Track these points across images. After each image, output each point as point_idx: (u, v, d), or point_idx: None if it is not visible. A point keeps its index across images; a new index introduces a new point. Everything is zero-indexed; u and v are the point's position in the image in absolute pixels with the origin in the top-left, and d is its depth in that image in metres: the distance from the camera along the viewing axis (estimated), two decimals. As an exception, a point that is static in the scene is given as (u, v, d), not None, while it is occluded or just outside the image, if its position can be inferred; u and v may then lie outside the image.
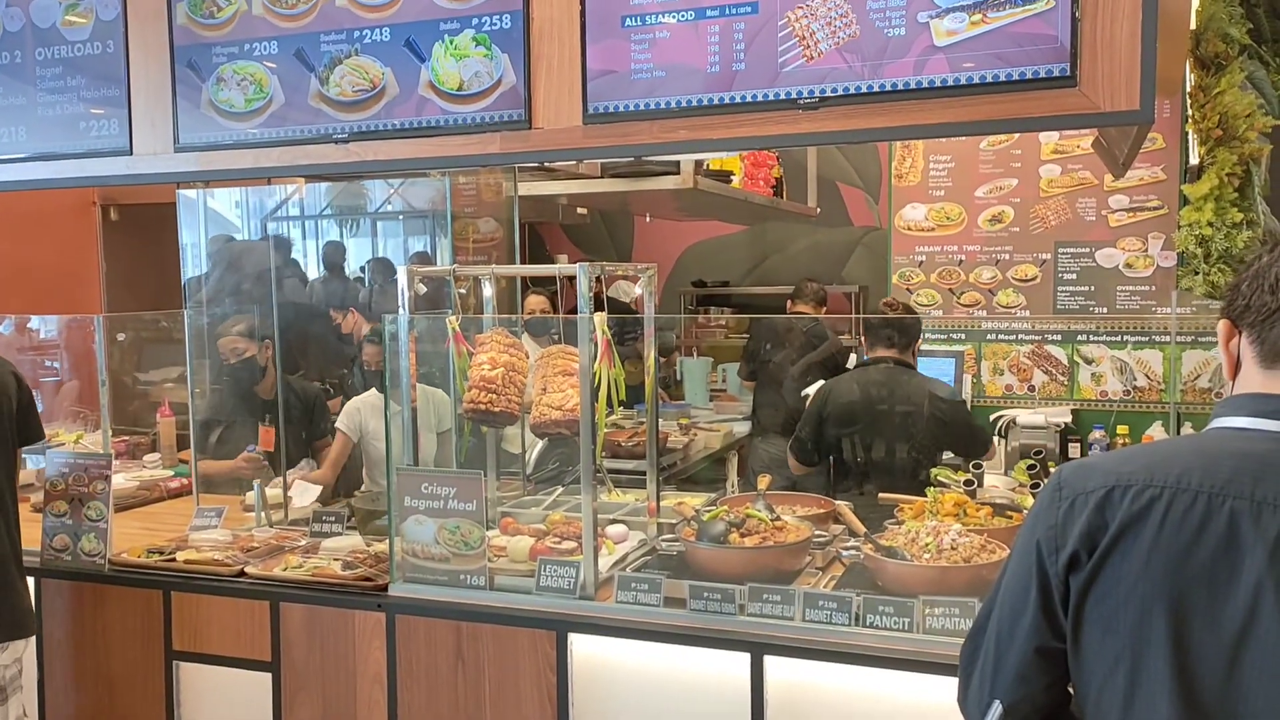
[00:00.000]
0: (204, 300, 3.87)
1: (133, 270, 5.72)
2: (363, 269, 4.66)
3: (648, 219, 7.18)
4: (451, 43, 2.65)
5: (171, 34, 2.90)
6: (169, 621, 2.81)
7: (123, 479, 3.79)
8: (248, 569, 2.80)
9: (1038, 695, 1.26)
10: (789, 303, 5.60)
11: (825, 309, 5.46)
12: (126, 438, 4.35)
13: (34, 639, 2.77)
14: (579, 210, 6.51)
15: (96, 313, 5.16)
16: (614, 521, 2.92)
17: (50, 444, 3.57)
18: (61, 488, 2.94)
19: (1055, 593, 1.22)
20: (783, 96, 2.37)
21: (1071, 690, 1.27)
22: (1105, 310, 4.66)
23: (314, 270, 4.63)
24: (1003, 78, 2.21)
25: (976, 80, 2.23)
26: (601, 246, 7.81)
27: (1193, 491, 1.15)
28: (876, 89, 2.30)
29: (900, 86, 2.28)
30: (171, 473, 4.03)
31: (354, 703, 2.64)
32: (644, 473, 3.39)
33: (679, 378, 6.38)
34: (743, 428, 5.50)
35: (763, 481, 2.97)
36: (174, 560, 2.87)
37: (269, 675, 2.72)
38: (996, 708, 1.25)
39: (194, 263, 3.93)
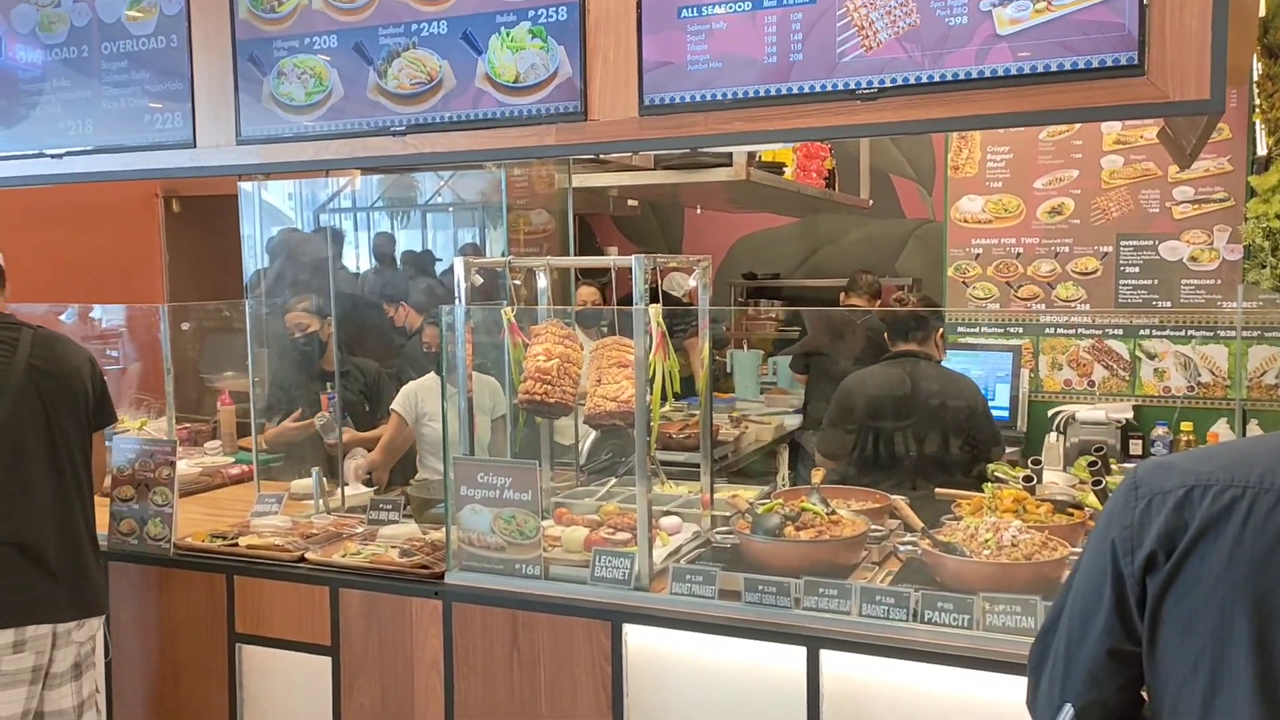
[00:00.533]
0: (263, 292, 3.95)
1: (194, 261, 5.83)
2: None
3: (698, 211, 7.16)
4: (508, 35, 2.66)
5: (233, 28, 2.95)
6: (232, 605, 2.87)
7: (185, 465, 3.87)
8: (308, 555, 2.85)
9: (1110, 697, 1.24)
10: (842, 295, 5.57)
11: (880, 302, 5.41)
12: (188, 425, 4.44)
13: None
14: (629, 202, 6.51)
15: (159, 302, 5.27)
16: (667, 513, 2.92)
17: (115, 431, 3.66)
18: (128, 473, 3.01)
19: (1130, 594, 1.19)
20: (840, 87, 2.35)
21: (1145, 694, 1.25)
22: (1169, 304, 4.56)
23: (364, 262, 4.69)
24: (1068, 66, 2.17)
25: (1041, 69, 2.19)
26: (652, 238, 7.81)
27: (1276, 491, 1.12)
28: (937, 79, 2.27)
29: (962, 76, 2.25)
30: (233, 459, 4.11)
31: (411, 688, 2.67)
32: (695, 465, 3.38)
33: (729, 370, 6.36)
34: (793, 421, 5.48)
35: (817, 475, 2.96)
36: (237, 545, 2.93)
37: (329, 659, 2.76)
38: (1068, 710, 1.23)
39: (256, 255, 4.01)
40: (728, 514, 2.89)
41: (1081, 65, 2.16)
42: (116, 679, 3.04)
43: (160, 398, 4.04)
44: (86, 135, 3.21)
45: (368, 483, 3.78)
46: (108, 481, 3.06)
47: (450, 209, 4.76)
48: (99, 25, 3.16)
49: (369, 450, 3.92)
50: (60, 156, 3.24)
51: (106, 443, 3.05)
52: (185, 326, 4.07)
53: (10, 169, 3.34)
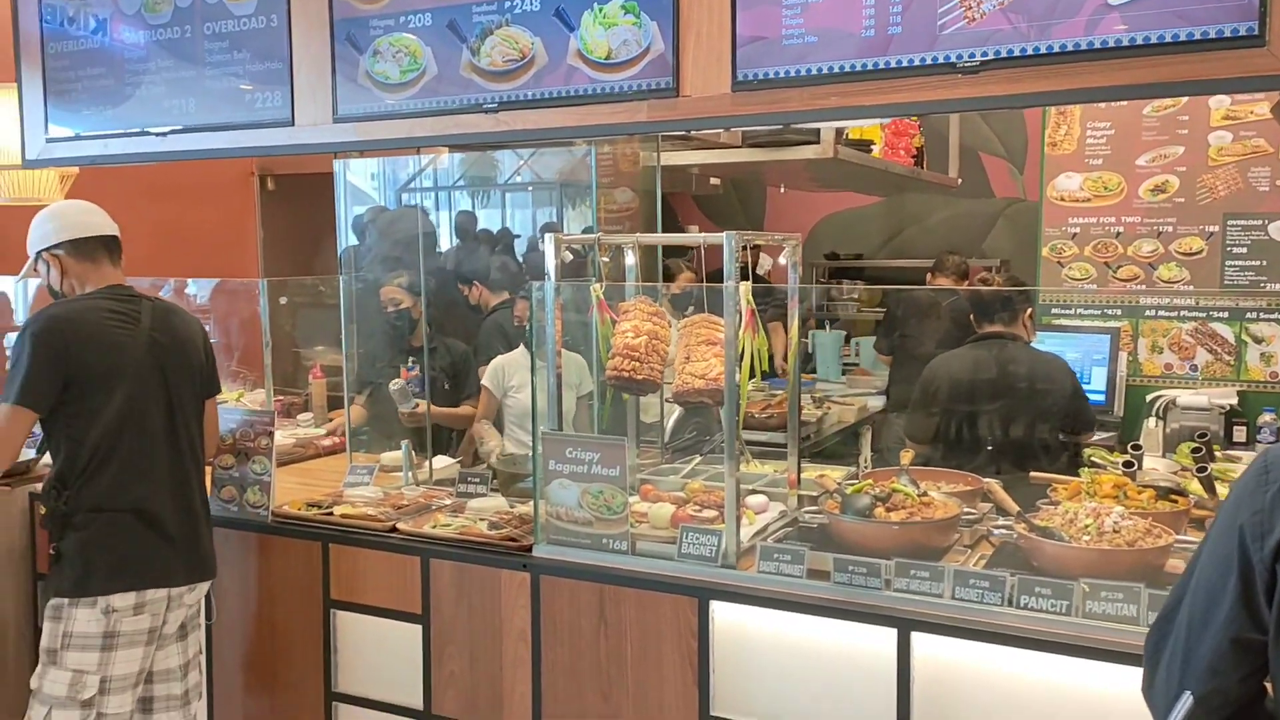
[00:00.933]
0: (354, 267, 4.02)
1: (286, 236, 5.98)
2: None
3: (781, 189, 7.10)
4: (600, 11, 2.66)
5: (331, 7, 3.00)
6: (327, 572, 2.95)
7: (279, 436, 3.97)
8: (399, 525, 2.90)
9: (1231, 688, 1.20)
10: (929, 276, 5.47)
11: (967, 283, 5.31)
12: (281, 398, 4.55)
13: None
14: (712, 180, 6.48)
15: (254, 276, 5.42)
16: (754, 492, 2.91)
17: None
18: (229, 442, 3.10)
19: (1259, 581, 1.15)
20: (941, 60, 2.30)
21: (1269, 685, 1.20)
22: (1278, 286, 4.38)
23: (445, 241, 4.74)
24: (1183, 37, 2.09)
25: (1154, 40, 2.12)
26: (733, 217, 7.76)
27: None
28: (1043, 50, 2.21)
29: (1070, 48, 2.18)
30: (323, 431, 4.20)
31: (500, 657, 2.72)
32: (777, 444, 3.34)
33: (810, 351, 6.31)
34: (876, 402, 5.42)
35: (906, 456, 2.92)
36: (331, 514, 3.00)
37: (419, 628, 2.82)
38: (1186, 699, 1.20)
39: (347, 231, 4.09)
40: (815, 494, 2.87)
41: (1198, 36, 2.08)
42: (216, 640, 3.14)
43: (255, 370, 4.15)
44: (189, 114, 3.29)
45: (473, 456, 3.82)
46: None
47: (529, 188, 4.79)
48: (201, 5, 3.24)
49: (449, 425, 4.01)
50: (164, 135, 3.34)
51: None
52: (283, 301, 4.18)
53: (117, 147, 3.45)
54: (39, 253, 2.74)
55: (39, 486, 3.13)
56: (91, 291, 2.69)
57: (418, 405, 3.84)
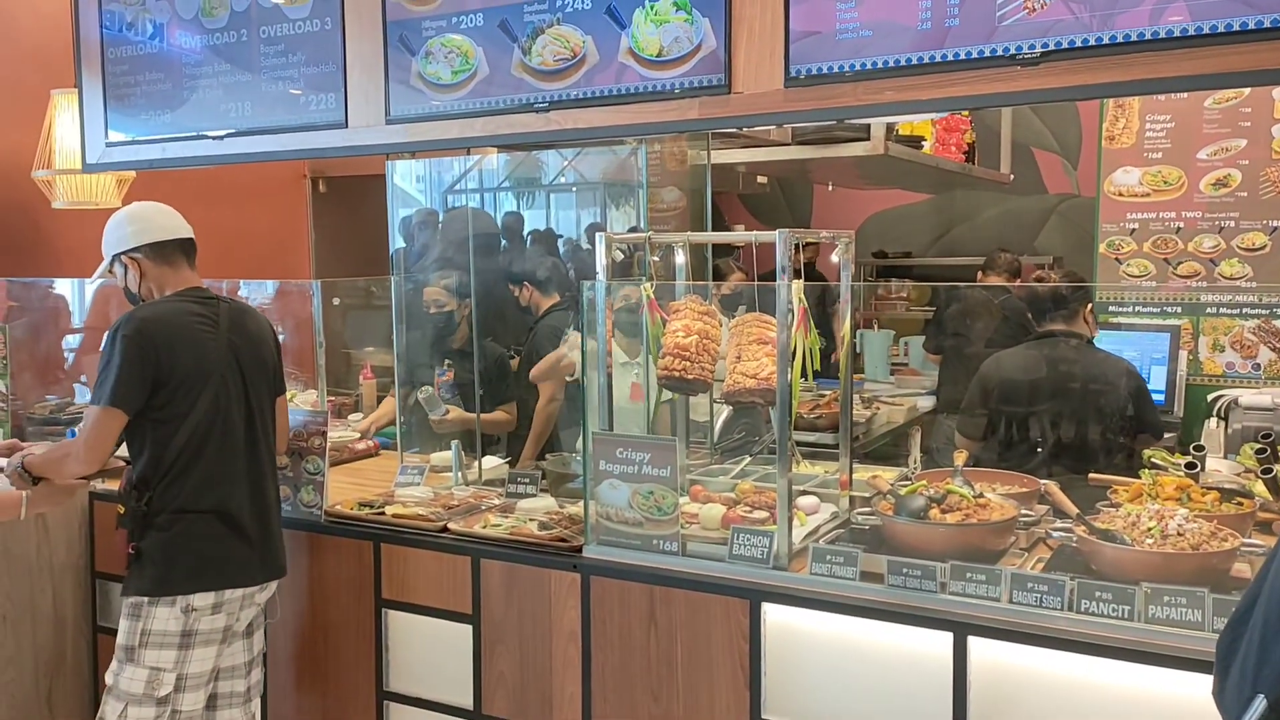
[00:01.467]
0: (403, 269, 4.04)
1: (338, 238, 6.04)
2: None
3: (829, 188, 7.04)
4: (652, 8, 2.65)
5: (384, 10, 3.03)
6: (379, 571, 2.96)
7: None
8: (450, 525, 2.91)
9: (1307, 691, 1.15)
10: (979, 274, 5.39)
11: (1019, 281, 5.22)
12: (332, 398, 4.59)
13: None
14: (759, 179, 6.45)
15: (306, 278, 5.48)
16: (804, 493, 2.88)
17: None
18: (283, 442, 3.13)
19: None
20: (1000, 52, 2.27)
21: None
22: (1345, 283, 4.26)
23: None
24: (1251, 25, 2.05)
25: (1221, 29, 2.07)
26: (779, 216, 7.72)
27: None
28: (1106, 41, 2.16)
29: (1134, 37, 2.14)
30: (358, 435, 4.19)
31: (550, 658, 2.72)
32: (825, 445, 3.30)
33: (858, 351, 6.25)
34: (925, 402, 5.34)
35: (959, 457, 2.86)
36: (383, 514, 3.02)
37: (469, 627, 2.82)
38: (1260, 702, 1.15)
39: (400, 234, 4.11)
40: (867, 495, 2.84)
41: (1267, 24, 2.03)
42: (270, 637, 3.17)
43: (307, 371, 4.19)
44: (245, 117, 3.34)
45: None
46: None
47: (573, 189, 4.78)
48: (257, 9, 3.28)
49: (484, 431, 3.99)
50: (221, 138, 3.39)
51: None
52: (335, 302, 4.22)
53: (175, 150, 3.51)
54: (116, 255, 2.72)
55: (98, 484, 3.17)
56: (173, 294, 2.68)
57: (448, 412, 3.77)
